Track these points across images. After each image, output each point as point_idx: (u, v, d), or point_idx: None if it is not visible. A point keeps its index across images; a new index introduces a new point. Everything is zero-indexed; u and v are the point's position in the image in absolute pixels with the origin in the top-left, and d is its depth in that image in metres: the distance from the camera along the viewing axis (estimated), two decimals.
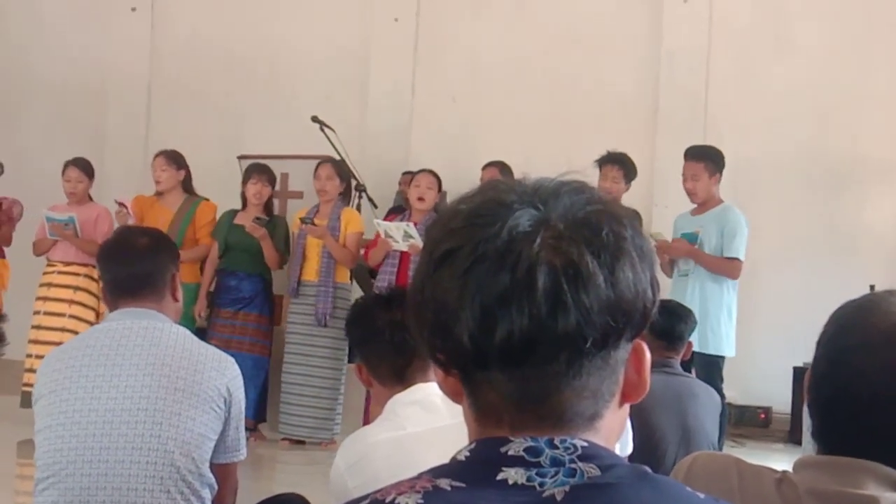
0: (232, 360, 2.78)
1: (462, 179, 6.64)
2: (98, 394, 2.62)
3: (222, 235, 7.16)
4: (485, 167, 7.54)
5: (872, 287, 5.91)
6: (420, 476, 1.00)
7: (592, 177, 6.33)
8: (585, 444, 0.99)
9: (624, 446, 2.78)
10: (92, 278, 6.67)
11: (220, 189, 7.69)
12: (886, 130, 8.26)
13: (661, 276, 6.06)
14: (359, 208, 7.65)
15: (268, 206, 7.32)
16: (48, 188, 7.53)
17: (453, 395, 1.05)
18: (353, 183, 7.60)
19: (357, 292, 7.00)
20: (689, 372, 5.05)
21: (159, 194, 7.24)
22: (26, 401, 6.21)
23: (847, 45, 8.39)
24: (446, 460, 1.02)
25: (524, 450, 0.98)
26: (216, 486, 2.71)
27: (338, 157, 7.45)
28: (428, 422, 2.22)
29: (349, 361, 6.90)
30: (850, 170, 8.32)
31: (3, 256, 7.24)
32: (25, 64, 9.80)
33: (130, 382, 2.62)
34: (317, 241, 7.08)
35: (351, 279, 7.35)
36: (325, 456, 5.92)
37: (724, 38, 8.67)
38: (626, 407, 1.06)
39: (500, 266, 0.96)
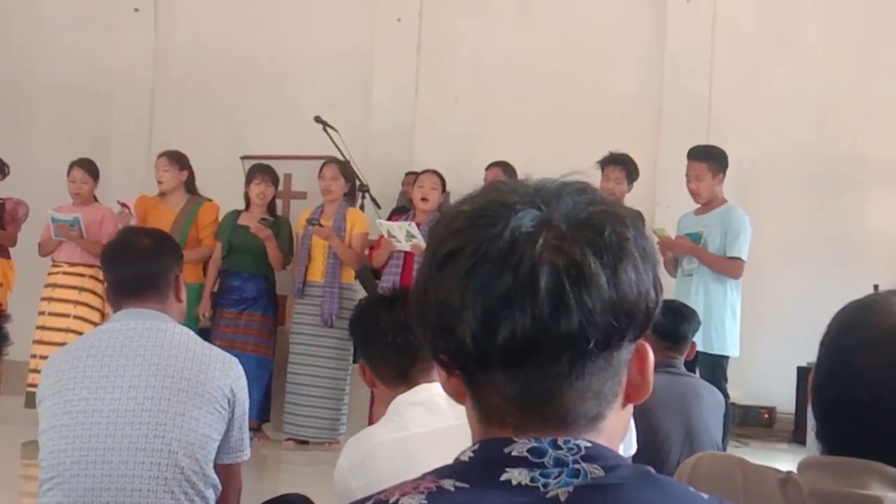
0: (236, 360, 2.79)
1: (465, 180, 6.64)
2: (102, 394, 2.62)
3: (226, 236, 7.17)
4: (488, 167, 7.54)
5: (876, 287, 5.90)
6: (424, 477, 1.00)
7: (595, 178, 6.33)
8: (589, 444, 0.99)
9: (628, 447, 2.78)
10: (97, 279, 6.68)
11: (224, 190, 7.70)
12: (889, 132, 8.26)
13: (664, 276, 6.07)
14: (362, 208, 7.66)
15: (271, 207, 7.33)
16: (52, 189, 7.54)
17: (456, 396, 1.05)
18: (357, 183, 7.60)
19: (361, 293, 7.00)
20: (693, 372, 5.05)
21: (162, 195, 7.24)
22: (30, 401, 6.23)
23: (850, 46, 8.39)
24: (450, 461, 1.02)
25: (528, 450, 0.98)
26: (220, 487, 2.71)
27: (341, 158, 7.45)
28: (431, 422, 2.23)
29: (354, 362, 6.90)
30: (854, 171, 8.32)
31: (9, 257, 7.25)
32: (29, 66, 9.81)
33: (134, 383, 2.62)
34: (322, 242, 7.09)
35: (354, 280, 7.35)
36: (328, 456, 5.91)
37: (727, 39, 8.67)
38: (630, 408, 1.06)
39: (503, 267, 0.96)
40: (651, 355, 1.05)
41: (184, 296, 2.87)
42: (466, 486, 0.97)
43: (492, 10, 9.17)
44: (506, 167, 7.39)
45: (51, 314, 6.84)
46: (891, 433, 1.42)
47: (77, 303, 6.83)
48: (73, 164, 7.09)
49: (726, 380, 6.11)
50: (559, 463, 0.97)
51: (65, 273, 6.92)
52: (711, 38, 8.70)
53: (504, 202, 1.00)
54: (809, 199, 8.40)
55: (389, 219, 7.30)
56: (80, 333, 5.95)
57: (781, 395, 7.86)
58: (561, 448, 0.98)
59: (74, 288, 6.86)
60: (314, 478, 5.59)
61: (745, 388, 7.62)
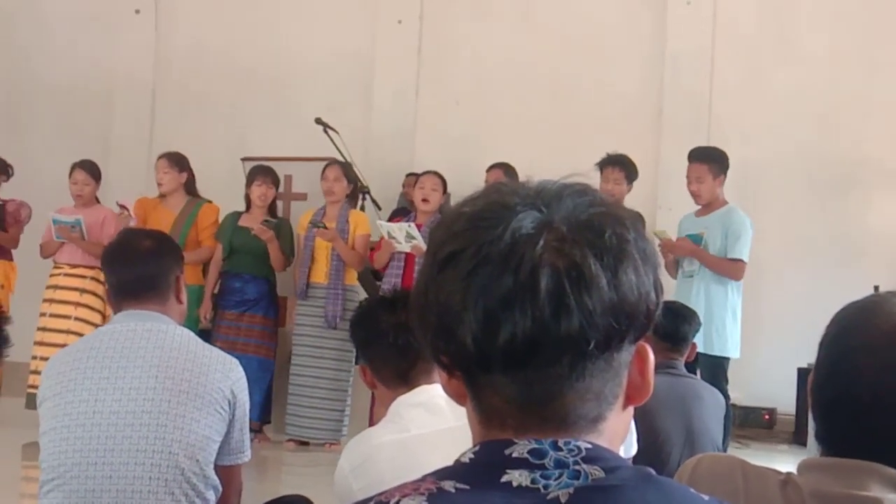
0: (236, 361, 2.79)
1: (466, 181, 6.64)
2: (103, 396, 2.62)
3: (227, 238, 7.17)
4: (489, 169, 7.55)
5: (877, 288, 5.90)
6: (424, 478, 1.00)
7: (594, 180, 6.33)
8: (589, 446, 0.99)
9: (628, 448, 2.78)
10: (98, 281, 6.68)
11: (224, 191, 7.71)
12: (890, 132, 8.26)
13: (665, 277, 6.08)
14: (362, 210, 7.66)
15: (272, 208, 7.33)
16: (53, 190, 7.55)
17: (457, 398, 1.06)
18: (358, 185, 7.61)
19: (364, 295, 7.00)
20: (694, 373, 5.05)
21: (162, 196, 7.25)
22: (31, 403, 6.24)
23: (851, 47, 8.40)
24: (450, 462, 1.02)
25: (528, 452, 0.98)
26: (220, 488, 2.71)
27: (342, 159, 7.45)
28: (432, 424, 2.23)
29: (356, 363, 6.90)
30: (854, 172, 8.32)
31: (11, 259, 7.26)
32: (30, 67, 9.82)
33: (135, 385, 2.62)
34: (325, 244, 7.09)
35: (357, 281, 7.35)
36: (329, 458, 5.92)
37: (727, 39, 8.68)
38: (631, 409, 1.06)
39: (504, 268, 0.97)
40: (651, 357, 1.05)
41: (184, 297, 2.87)
42: (467, 487, 0.97)
43: (492, 12, 9.18)
44: (507, 169, 7.39)
45: (52, 315, 6.84)
46: (891, 433, 1.42)
47: (78, 304, 6.83)
48: (74, 166, 7.09)
49: (727, 381, 6.11)
50: (560, 464, 0.97)
51: (66, 275, 6.92)
52: (712, 39, 8.70)
53: (505, 204, 1.00)
54: (810, 200, 8.40)
55: (390, 220, 7.30)
56: (80, 335, 5.96)
57: (782, 396, 7.86)
58: (561, 449, 0.98)
59: (75, 289, 6.86)
60: (315, 479, 5.60)
61: (745, 390, 7.62)
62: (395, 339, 2.36)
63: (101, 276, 6.30)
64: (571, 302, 0.96)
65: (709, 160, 6.45)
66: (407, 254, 6.82)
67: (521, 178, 1.08)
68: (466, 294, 0.97)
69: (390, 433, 2.28)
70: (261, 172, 7.29)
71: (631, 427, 1.63)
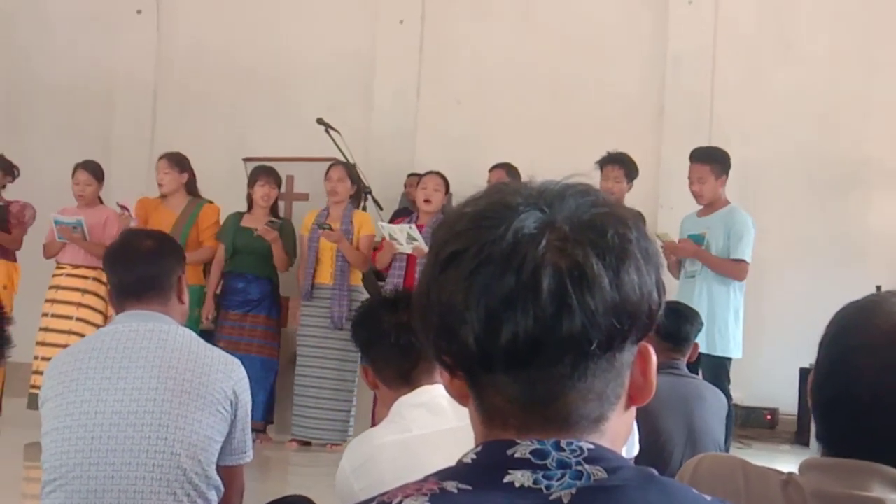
0: (238, 362, 2.79)
1: (467, 182, 6.64)
2: (104, 396, 2.62)
3: (229, 238, 7.17)
4: (492, 169, 7.54)
5: (878, 288, 5.90)
6: (426, 479, 1.00)
7: (594, 179, 6.33)
8: (592, 446, 0.99)
9: (630, 448, 2.78)
10: (100, 281, 6.68)
11: (226, 191, 7.71)
12: (890, 132, 8.26)
13: (668, 278, 6.07)
14: (364, 210, 7.66)
15: (274, 209, 7.33)
16: (54, 191, 7.55)
17: (459, 398, 1.05)
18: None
19: (366, 295, 7.00)
20: (696, 373, 5.05)
21: (163, 197, 7.25)
22: (33, 403, 6.23)
23: (852, 47, 8.40)
24: (452, 463, 1.02)
25: (530, 452, 0.98)
26: (222, 489, 2.71)
27: (343, 159, 7.46)
28: (434, 424, 2.23)
29: (361, 363, 6.89)
30: (855, 172, 8.32)
31: (14, 260, 7.27)
32: (31, 67, 9.83)
33: (137, 385, 2.63)
34: (330, 245, 7.09)
35: (362, 282, 7.35)
36: (332, 458, 5.91)
37: (728, 39, 8.68)
38: (633, 410, 1.06)
39: (506, 268, 0.97)
40: (654, 357, 1.05)
41: (186, 297, 2.88)
42: (469, 488, 0.97)
43: (493, 12, 9.18)
44: (509, 169, 7.39)
45: (54, 316, 6.84)
46: (891, 433, 1.42)
47: (80, 305, 6.84)
48: (77, 166, 7.09)
49: (729, 381, 6.10)
50: (562, 465, 0.97)
51: (68, 275, 6.93)
52: (713, 39, 8.70)
53: (507, 204, 1.00)
54: (810, 200, 8.40)
55: (392, 221, 7.31)
56: (82, 335, 5.96)
57: (784, 396, 7.85)
58: (564, 450, 0.98)
59: (78, 290, 6.86)
60: (317, 479, 5.59)
61: (747, 390, 7.62)
62: (396, 339, 2.36)
63: (103, 277, 6.30)
64: (574, 302, 0.96)
65: (711, 160, 6.44)
66: (409, 255, 6.82)
67: (524, 178, 1.08)
68: (468, 294, 0.97)
69: (392, 433, 2.28)
70: (263, 173, 7.29)
71: (633, 427, 1.63)
